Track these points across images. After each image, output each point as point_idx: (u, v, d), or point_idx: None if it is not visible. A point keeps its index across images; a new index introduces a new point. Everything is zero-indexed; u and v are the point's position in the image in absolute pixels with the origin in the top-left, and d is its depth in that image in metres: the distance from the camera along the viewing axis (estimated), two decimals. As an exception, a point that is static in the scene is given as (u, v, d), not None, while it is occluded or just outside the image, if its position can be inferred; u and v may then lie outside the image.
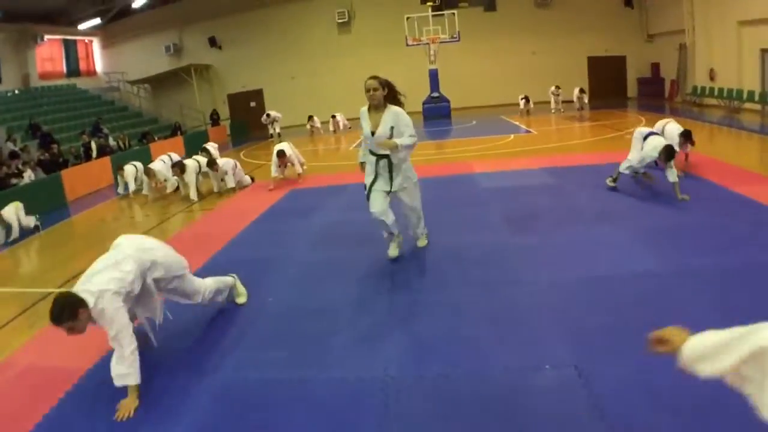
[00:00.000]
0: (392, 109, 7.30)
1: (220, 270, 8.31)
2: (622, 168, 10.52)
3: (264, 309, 6.67)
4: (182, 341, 6.03)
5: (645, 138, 10.18)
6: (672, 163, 9.60)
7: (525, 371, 4.85)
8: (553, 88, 27.53)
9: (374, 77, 7.39)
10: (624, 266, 7.02)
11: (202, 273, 8.12)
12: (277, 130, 27.56)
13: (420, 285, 7.08)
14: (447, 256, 7.98)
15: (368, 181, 7.54)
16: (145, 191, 15.14)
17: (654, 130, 10.82)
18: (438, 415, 4.39)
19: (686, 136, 11.17)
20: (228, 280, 6.77)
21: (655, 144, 9.78)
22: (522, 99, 27.64)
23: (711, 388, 4.27)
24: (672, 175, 9.57)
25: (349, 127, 27.86)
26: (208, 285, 6.24)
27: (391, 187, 7.47)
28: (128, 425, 4.59)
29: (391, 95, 7.41)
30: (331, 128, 28.14)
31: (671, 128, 11.66)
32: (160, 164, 15.27)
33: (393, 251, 7.90)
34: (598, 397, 4.34)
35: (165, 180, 15.06)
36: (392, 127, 7.18)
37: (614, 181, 10.73)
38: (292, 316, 6.46)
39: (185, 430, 4.45)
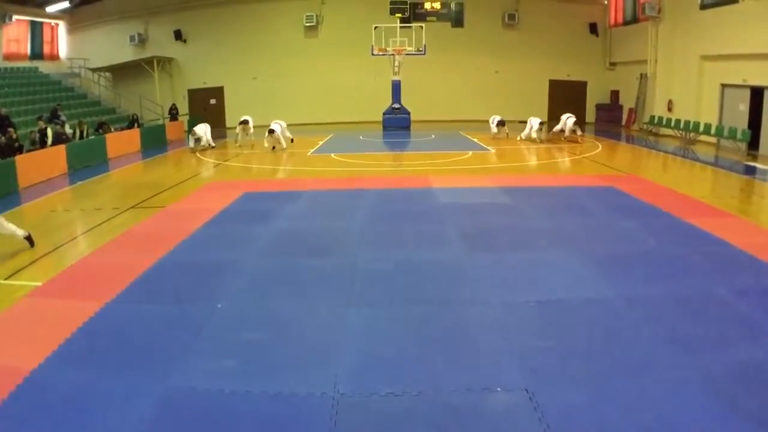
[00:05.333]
0: None
1: (167, 273, 8.29)
2: None
3: (213, 315, 6.67)
4: (129, 343, 5.99)
5: None
6: None
7: (476, 393, 4.97)
8: (537, 124, 23.42)
9: None
10: (576, 291, 7.25)
11: (150, 275, 8.11)
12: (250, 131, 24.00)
13: (374, 300, 7.16)
14: (402, 271, 8.11)
15: None
16: None
17: None
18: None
19: None
20: None
21: None
22: (496, 122, 24.65)
23: (659, 417, 4.47)
24: None
25: (291, 140, 23.43)
26: None
27: None
28: (67, 428, 4.55)
29: None
30: (266, 144, 22.21)
31: None
32: None
33: None
34: (549, 422, 4.48)
35: None
36: None
37: None
38: (242, 325, 6.47)
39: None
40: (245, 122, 23.89)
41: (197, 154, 22.07)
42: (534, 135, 23.31)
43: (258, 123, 25.71)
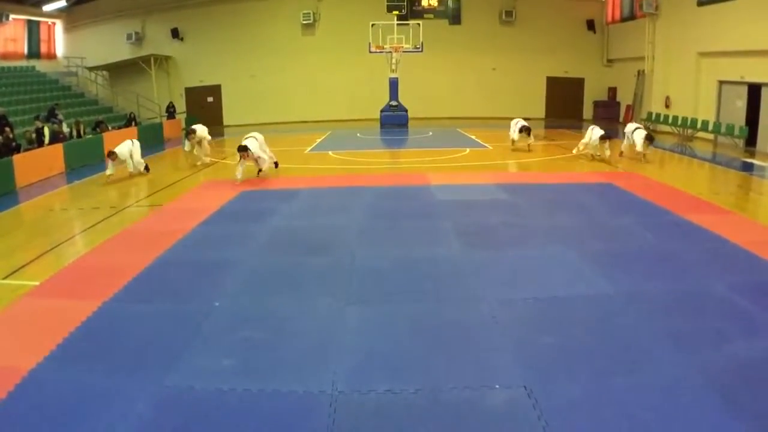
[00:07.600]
0: None
1: (165, 271, 8.27)
2: None
3: (211, 314, 6.66)
4: (127, 342, 5.98)
5: None
6: None
7: (475, 390, 4.97)
8: (597, 138, 17.08)
9: None
10: (575, 287, 7.26)
11: (149, 272, 8.10)
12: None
13: (372, 297, 7.17)
14: (400, 269, 8.11)
15: None
16: None
17: None
18: (386, 432, 4.46)
19: None
20: None
21: None
22: (519, 127, 19.70)
23: (658, 414, 4.47)
24: None
25: (276, 164, 16.80)
26: None
27: None
28: (65, 427, 4.54)
29: None
30: (238, 170, 14.83)
31: None
32: None
33: None
34: (548, 419, 4.49)
35: None
36: None
37: None
38: (240, 323, 6.46)
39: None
40: (192, 131, 18.17)
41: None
42: (607, 151, 17.23)
43: (257, 121, 25.28)
